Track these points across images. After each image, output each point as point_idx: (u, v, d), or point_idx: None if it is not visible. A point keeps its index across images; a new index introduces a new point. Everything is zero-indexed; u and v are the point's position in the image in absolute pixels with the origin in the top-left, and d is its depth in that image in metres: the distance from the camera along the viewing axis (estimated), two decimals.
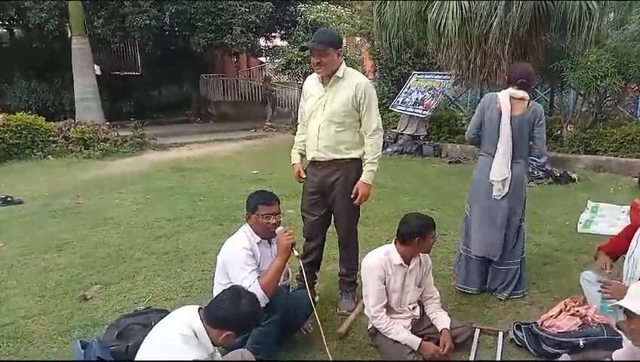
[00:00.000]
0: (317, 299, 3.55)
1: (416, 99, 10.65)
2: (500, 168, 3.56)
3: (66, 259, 4.65)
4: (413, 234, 2.91)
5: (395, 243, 3.02)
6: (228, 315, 2.12)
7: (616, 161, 8.07)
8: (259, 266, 2.85)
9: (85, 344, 2.84)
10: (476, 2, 7.43)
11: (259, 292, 2.67)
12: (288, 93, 16.24)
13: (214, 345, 2.17)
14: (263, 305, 2.67)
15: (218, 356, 2.33)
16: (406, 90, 11.07)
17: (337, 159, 3.39)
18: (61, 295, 3.91)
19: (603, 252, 3.27)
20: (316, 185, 3.49)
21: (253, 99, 18.02)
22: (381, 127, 3.44)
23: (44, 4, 13.34)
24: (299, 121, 3.69)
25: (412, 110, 10.56)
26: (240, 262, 2.78)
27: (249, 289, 2.62)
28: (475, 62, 8.07)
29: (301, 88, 3.74)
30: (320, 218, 3.55)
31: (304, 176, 3.59)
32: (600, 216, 5.58)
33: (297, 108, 3.97)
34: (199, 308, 2.19)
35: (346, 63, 3.51)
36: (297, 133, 3.70)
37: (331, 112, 3.33)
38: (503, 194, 3.59)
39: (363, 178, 3.39)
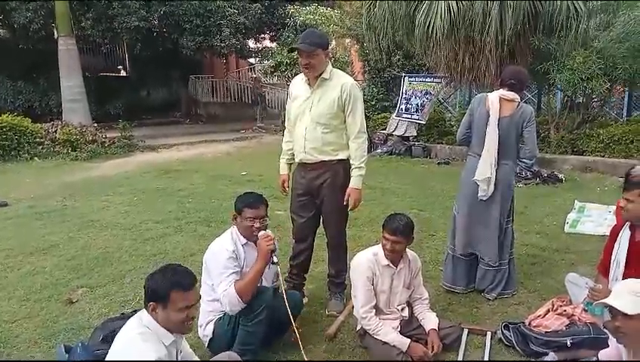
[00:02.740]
0: (306, 300, 3.55)
1: (417, 105, 10.62)
2: (484, 168, 3.57)
3: (52, 262, 4.59)
4: (383, 226, 2.96)
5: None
6: (152, 290, 2.13)
7: (602, 162, 8.16)
8: (242, 268, 2.82)
9: (69, 348, 2.80)
10: (465, 3, 7.47)
11: (234, 297, 2.68)
12: (278, 95, 16.22)
13: (171, 330, 2.15)
14: (239, 309, 2.71)
15: (184, 344, 2.33)
16: (404, 95, 10.95)
17: (325, 161, 3.37)
18: (46, 298, 3.85)
19: (602, 276, 2.92)
20: (304, 187, 3.48)
21: (242, 100, 17.98)
22: (365, 130, 3.41)
23: (29, 4, 13.18)
24: (286, 125, 3.67)
25: (416, 117, 10.55)
26: (220, 266, 2.76)
27: (224, 294, 2.68)
28: (464, 64, 8.11)
29: None
30: (309, 219, 3.54)
31: (288, 188, 3.61)
32: (587, 216, 5.63)
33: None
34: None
35: (336, 65, 3.50)
36: (284, 139, 3.68)
37: (318, 114, 3.31)
38: (489, 195, 3.60)
39: (353, 184, 3.37)
